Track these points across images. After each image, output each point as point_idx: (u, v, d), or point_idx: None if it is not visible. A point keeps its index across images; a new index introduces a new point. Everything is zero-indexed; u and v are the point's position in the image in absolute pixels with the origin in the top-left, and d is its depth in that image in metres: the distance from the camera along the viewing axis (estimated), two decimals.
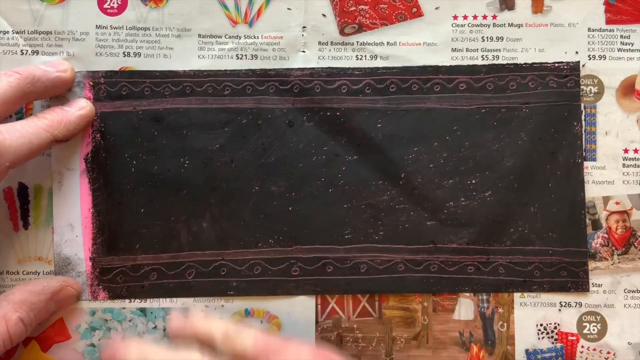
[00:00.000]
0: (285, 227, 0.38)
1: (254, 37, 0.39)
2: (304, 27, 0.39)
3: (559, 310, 0.38)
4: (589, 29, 0.39)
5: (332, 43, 0.39)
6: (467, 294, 0.38)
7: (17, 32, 0.38)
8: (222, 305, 0.38)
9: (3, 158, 0.32)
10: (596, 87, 0.39)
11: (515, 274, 0.38)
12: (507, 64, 0.39)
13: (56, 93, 0.37)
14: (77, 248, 0.38)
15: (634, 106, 0.39)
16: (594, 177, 0.38)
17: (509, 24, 0.39)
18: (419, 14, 0.39)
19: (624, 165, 0.39)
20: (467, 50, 0.39)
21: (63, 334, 0.38)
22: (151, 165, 0.38)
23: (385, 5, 0.39)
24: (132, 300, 0.38)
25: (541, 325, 0.38)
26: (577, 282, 0.38)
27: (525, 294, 0.38)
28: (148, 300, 0.38)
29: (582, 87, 0.39)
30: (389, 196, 0.38)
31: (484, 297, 0.38)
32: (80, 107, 0.37)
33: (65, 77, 0.37)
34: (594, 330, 0.38)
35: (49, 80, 0.35)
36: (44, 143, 0.34)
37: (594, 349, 0.38)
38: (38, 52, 0.38)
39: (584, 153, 0.38)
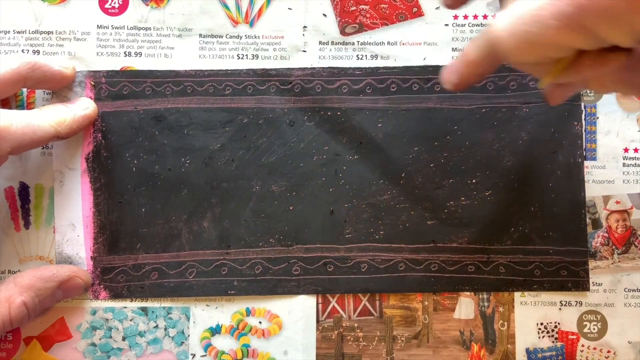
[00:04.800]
0: (286, 227, 0.38)
1: (255, 37, 0.39)
2: (304, 26, 0.39)
3: (560, 309, 0.38)
4: None
5: (332, 43, 0.39)
6: (468, 293, 0.38)
7: (18, 32, 0.38)
8: (223, 305, 0.38)
9: (7, 143, 0.32)
10: None
11: (516, 273, 0.38)
12: (508, 63, 0.39)
13: (54, 87, 0.37)
14: (78, 247, 0.38)
15: (634, 106, 0.39)
16: (594, 177, 0.39)
17: None
18: (419, 13, 0.39)
19: (624, 164, 0.39)
20: None
21: (64, 333, 0.38)
22: (152, 165, 0.38)
23: (386, 5, 0.39)
24: (133, 299, 0.38)
25: (541, 324, 0.38)
26: (577, 281, 0.38)
27: (526, 293, 0.38)
28: (149, 299, 0.38)
29: None
30: (389, 195, 0.38)
31: (485, 296, 0.38)
32: (85, 107, 0.37)
33: (66, 73, 0.37)
34: (594, 329, 0.38)
35: (49, 71, 0.36)
36: (47, 137, 0.34)
37: (594, 348, 0.38)
38: (39, 52, 0.38)
39: (584, 152, 0.39)
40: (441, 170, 0.38)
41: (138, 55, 0.39)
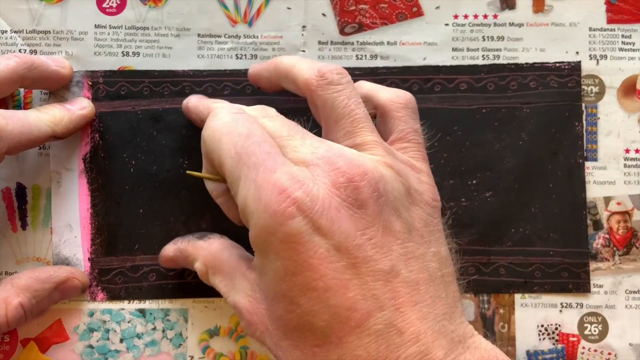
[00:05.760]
0: None
1: (254, 37, 0.39)
2: (303, 26, 0.39)
3: (560, 311, 0.38)
4: (590, 29, 0.39)
5: (332, 43, 0.39)
6: (468, 295, 0.38)
7: (15, 32, 0.38)
8: (222, 307, 0.38)
9: (3, 142, 0.32)
10: (597, 87, 0.39)
11: (516, 275, 0.38)
12: (508, 63, 0.39)
13: (51, 87, 0.37)
14: (75, 248, 0.38)
15: (635, 106, 0.39)
16: (595, 178, 0.38)
17: (509, 23, 0.39)
18: (419, 13, 0.39)
19: (625, 165, 0.38)
20: (467, 49, 0.39)
21: (61, 335, 0.37)
22: (150, 165, 0.38)
23: (386, 5, 0.39)
24: (131, 301, 0.38)
25: (542, 326, 0.38)
26: (578, 283, 0.38)
27: (526, 295, 0.38)
28: (147, 301, 0.38)
29: (583, 87, 0.38)
30: None
31: (485, 298, 0.38)
32: (82, 107, 0.37)
33: (64, 73, 0.37)
34: (595, 331, 0.38)
35: (46, 71, 0.36)
36: (44, 136, 0.34)
37: (595, 350, 0.38)
38: (36, 52, 0.38)
39: (585, 153, 0.38)
40: (441, 171, 0.38)
41: (136, 55, 0.38)
